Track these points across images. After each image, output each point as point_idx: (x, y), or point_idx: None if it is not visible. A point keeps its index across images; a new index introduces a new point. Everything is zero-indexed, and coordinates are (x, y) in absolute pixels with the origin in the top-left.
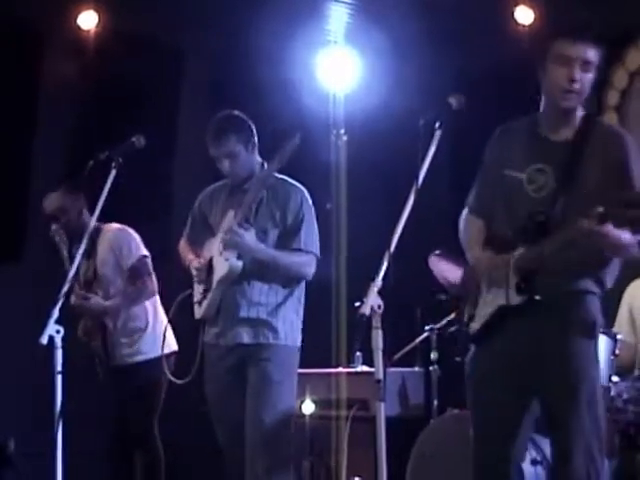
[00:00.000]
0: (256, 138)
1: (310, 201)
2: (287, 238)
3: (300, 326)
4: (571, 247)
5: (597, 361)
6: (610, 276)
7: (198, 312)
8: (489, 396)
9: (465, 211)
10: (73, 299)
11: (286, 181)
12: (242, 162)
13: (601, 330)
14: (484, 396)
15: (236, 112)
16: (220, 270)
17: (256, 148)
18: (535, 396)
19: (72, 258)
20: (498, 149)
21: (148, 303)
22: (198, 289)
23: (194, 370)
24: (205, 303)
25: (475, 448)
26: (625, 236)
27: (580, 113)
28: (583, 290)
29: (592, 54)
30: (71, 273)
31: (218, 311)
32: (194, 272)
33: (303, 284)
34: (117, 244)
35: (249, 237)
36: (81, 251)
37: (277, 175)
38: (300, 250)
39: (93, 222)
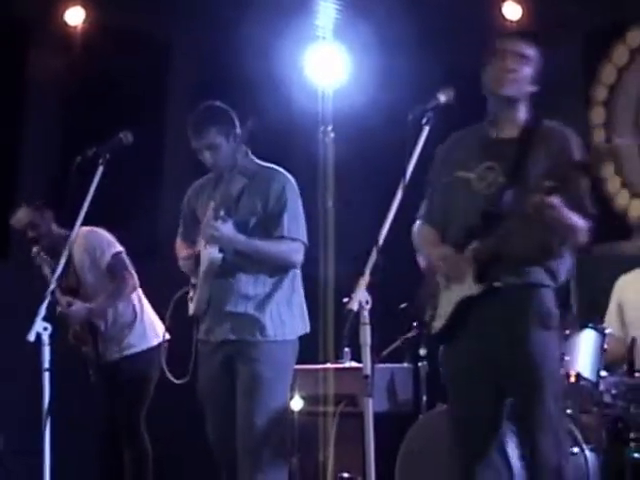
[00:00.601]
0: (238, 128)
1: (295, 188)
2: (269, 225)
3: (297, 315)
4: (524, 230)
5: (555, 351)
6: (563, 268)
7: (190, 308)
8: (463, 395)
9: (417, 223)
10: (58, 309)
11: (269, 167)
12: (223, 153)
13: (557, 322)
14: (459, 395)
15: (217, 103)
16: (203, 264)
17: (238, 137)
18: (504, 389)
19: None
20: (447, 155)
21: (133, 296)
22: (192, 286)
23: (191, 368)
24: (195, 298)
25: (454, 449)
26: (574, 217)
27: (525, 114)
28: (537, 283)
29: (527, 49)
30: (56, 275)
31: (208, 306)
32: (181, 263)
33: (297, 272)
34: (89, 246)
35: (226, 229)
36: (63, 260)
37: (260, 162)
38: (284, 237)
39: (79, 223)
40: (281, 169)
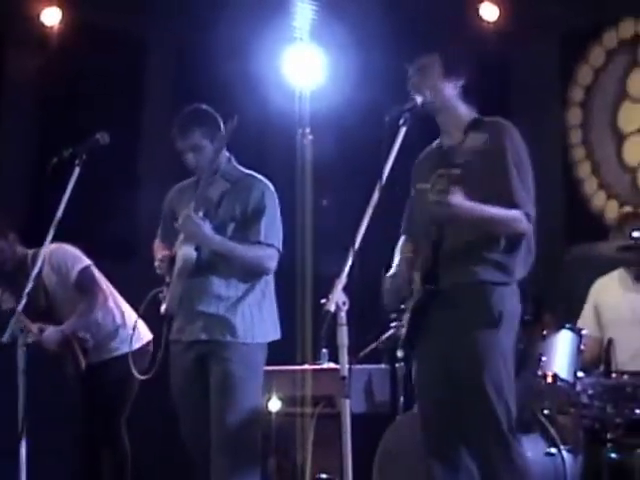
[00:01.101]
0: (223, 132)
1: (274, 196)
2: (246, 229)
3: (268, 320)
4: (455, 230)
5: (503, 350)
6: (518, 264)
7: (162, 307)
8: (424, 395)
9: (401, 238)
10: (30, 338)
11: (250, 175)
12: (207, 155)
13: (514, 319)
14: (420, 395)
15: (203, 106)
16: (177, 263)
17: (223, 141)
18: (459, 391)
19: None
20: (415, 169)
21: (111, 305)
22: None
23: (155, 367)
24: (167, 297)
25: (423, 443)
26: (491, 210)
27: (466, 116)
28: (484, 280)
29: (421, 60)
30: (27, 289)
31: (180, 305)
32: (156, 264)
33: (269, 278)
34: (55, 264)
35: (206, 227)
36: (32, 278)
37: (242, 169)
38: (260, 243)
39: (52, 231)
40: (262, 177)
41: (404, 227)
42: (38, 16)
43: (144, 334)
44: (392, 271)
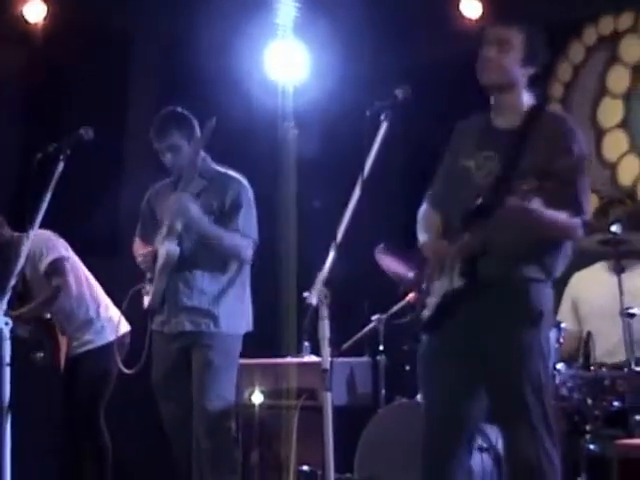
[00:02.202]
0: (198, 132)
1: (250, 192)
2: (225, 221)
3: (246, 312)
4: (509, 229)
5: (542, 349)
6: (559, 263)
7: (145, 302)
8: (439, 380)
9: (424, 204)
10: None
11: (226, 173)
12: (183, 155)
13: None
14: (431, 388)
15: (179, 108)
16: (160, 258)
17: (199, 141)
18: (482, 384)
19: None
20: (455, 142)
21: (87, 297)
22: (148, 281)
23: (143, 359)
24: (150, 292)
25: (425, 430)
26: (559, 216)
27: (528, 102)
28: (528, 278)
29: (507, 34)
30: (16, 270)
31: (163, 300)
32: (139, 259)
33: (247, 270)
34: (32, 249)
35: (194, 207)
36: (19, 265)
37: (217, 167)
38: (238, 231)
39: (39, 219)
40: (237, 175)
41: (432, 199)
42: (21, 12)
43: (121, 326)
44: (426, 240)
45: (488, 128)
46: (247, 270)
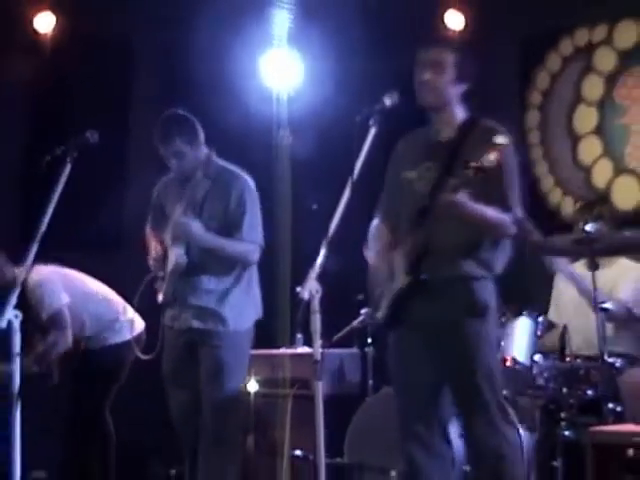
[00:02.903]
0: (201, 134)
1: (253, 190)
2: (230, 227)
3: (253, 303)
4: (446, 226)
5: (490, 339)
6: (498, 260)
7: (159, 297)
8: (405, 379)
9: (374, 220)
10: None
11: (230, 171)
12: (188, 160)
13: (494, 311)
14: (401, 379)
15: (180, 111)
16: (170, 263)
17: (201, 143)
18: (440, 376)
19: None
20: (396, 156)
21: (101, 300)
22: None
23: (158, 347)
24: (162, 291)
25: (400, 425)
26: (489, 212)
27: (462, 115)
28: (469, 275)
29: (440, 56)
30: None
31: (175, 297)
32: (151, 262)
33: (254, 273)
34: (35, 298)
35: (196, 227)
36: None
37: (223, 164)
38: (243, 239)
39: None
40: (240, 172)
41: (381, 213)
42: (31, 21)
43: (137, 324)
44: (374, 250)
45: (427, 142)
46: (253, 268)
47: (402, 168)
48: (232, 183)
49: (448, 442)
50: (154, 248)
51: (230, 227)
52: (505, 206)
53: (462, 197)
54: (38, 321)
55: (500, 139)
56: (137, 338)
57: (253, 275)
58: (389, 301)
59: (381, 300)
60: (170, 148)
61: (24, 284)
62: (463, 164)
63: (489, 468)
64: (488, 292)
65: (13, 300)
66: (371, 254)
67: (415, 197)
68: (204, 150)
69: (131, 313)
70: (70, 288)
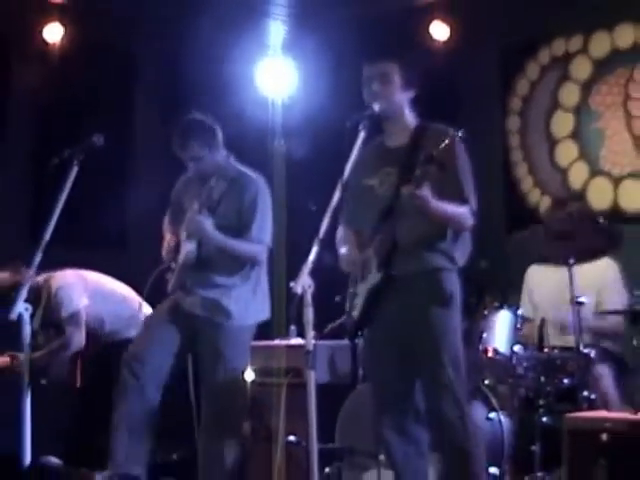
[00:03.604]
0: (219, 136)
1: (266, 192)
2: (241, 228)
3: (259, 303)
4: (410, 220)
5: (455, 327)
6: (460, 253)
7: (169, 286)
8: (378, 376)
9: (339, 226)
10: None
11: (246, 174)
12: (205, 162)
13: (459, 301)
14: (374, 375)
15: (198, 116)
16: (181, 256)
17: (219, 146)
18: (411, 364)
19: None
20: (356, 166)
21: (119, 297)
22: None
23: None
24: (172, 281)
25: (376, 416)
26: (448, 206)
27: (413, 120)
28: (435, 267)
29: (385, 67)
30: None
31: (182, 287)
32: (164, 253)
33: (263, 271)
34: (56, 300)
35: (208, 225)
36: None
37: (239, 167)
38: (252, 240)
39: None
40: (255, 176)
41: (345, 219)
42: (41, 32)
43: None
44: (345, 253)
45: (383, 149)
46: (263, 266)
47: (362, 176)
48: (247, 186)
49: (422, 427)
50: (168, 241)
51: (241, 227)
52: (462, 198)
53: (425, 191)
54: (55, 320)
55: (450, 131)
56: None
57: (262, 276)
58: (363, 300)
59: (354, 300)
60: (188, 152)
61: (46, 288)
62: (422, 158)
63: (455, 449)
64: (452, 282)
65: (24, 294)
66: (342, 254)
67: (378, 201)
68: (222, 153)
69: (146, 309)
70: (89, 291)
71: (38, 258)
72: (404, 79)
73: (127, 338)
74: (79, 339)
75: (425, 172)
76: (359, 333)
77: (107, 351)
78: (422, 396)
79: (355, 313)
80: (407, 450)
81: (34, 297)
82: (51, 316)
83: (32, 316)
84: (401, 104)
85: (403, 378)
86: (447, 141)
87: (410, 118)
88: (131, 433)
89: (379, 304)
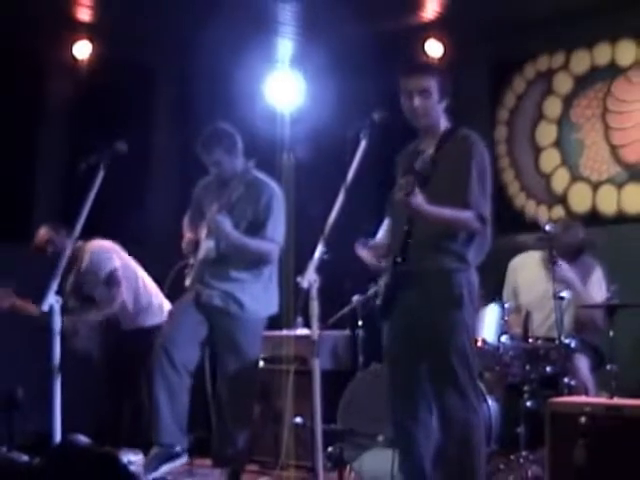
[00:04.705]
0: (239, 144)
1: (280, 197)
2: (256, 228)
3: (271, 298)
4: (422, 222)
5: (466, 325)
6: (474, 253)
7: (187, 281)
8: (393, 362)
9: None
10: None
11: (262, 180)
12: (225, 167)
13: (482, 299)
14: (390, 362)
15: (221, 125)
16: (201, 252)
17: (239, 153)
18: (423, 358)
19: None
20: (398, 166)
21: (142, 289)
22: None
23: None
24: (191, 276)
25: (389, 399)
26: (445, 211)
27: (444, 126)
28: (446, 269)
29: (425, 83)
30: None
31: (200, 281)
32: (184, 246)
33: (275, 269)
34: (91, 261)
35: (227, 225)
36: (61, 266)
37: (256, 174)
38: (266, 239)
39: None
40: (271, 182)
41: (387, 211)
42: (71, 49)
43: (166, 309)
44: (374, 240)
45: (416, 154)
46: (274, 263)
47: (399, 175)
48: (262, 190)
49: (431, 414)
50: (188, 238)
51: (257, 227)
52: (465, 202)
53: (416, 197)
54: (87, 288)
55: (472, 136)
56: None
57: (273, 274)
58: (382, 291)
59: (379, 292)
60: (211, 157)
61: (82, 252)
62: (420, 163)
63: (458, 436)
64: (462, 283)
65: (54, 286)
66: (365, 252)
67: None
68: (241, 160)
69: (161, 297)
70: (121, 260)
71: (76, 234)
72: (441, 92)
73: (141, 327)
74: (120, 297)
75: (419, 178)
76: (384, 318)
77: (123, 340)
78: (430, 389)
79: (378, 301)
80: (416, 433)
81: (68, 261)
82: (84, 282)
83: (63, 280)
84: (438, 116)
85: (416, 365)
86: (465, 166)
87: (443, 123)
88: (173, 413)
89: (396, 296)
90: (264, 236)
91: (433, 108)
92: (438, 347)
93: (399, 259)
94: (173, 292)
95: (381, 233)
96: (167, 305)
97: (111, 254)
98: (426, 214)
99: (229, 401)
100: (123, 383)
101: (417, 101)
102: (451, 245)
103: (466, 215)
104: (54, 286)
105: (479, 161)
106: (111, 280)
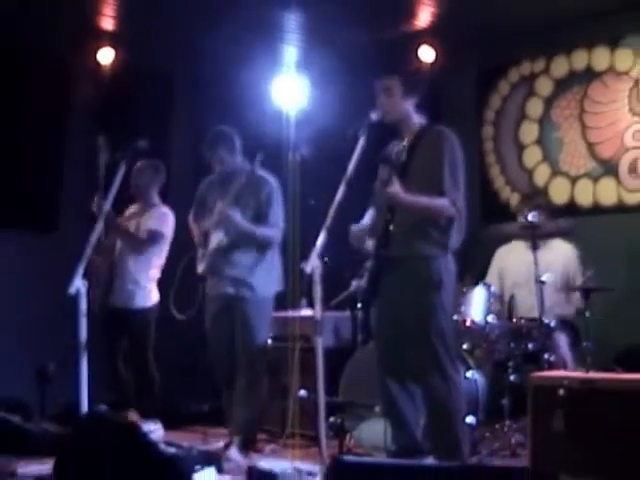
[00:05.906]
0: (237, 143)
1: (279, 190)
2: (259, 216)
3: (275, 277)
4: (400, 210)
5: (444, 308)
6: (453, 240)
7: (199, 269)
8: (381, 343)
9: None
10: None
11: (261, 176)
12: (227, 164)
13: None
14: (378, 343)
15: (223, 127)
16: (212, 243)
17: (238, 150)
18: (406, 337)
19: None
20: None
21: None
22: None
23: (195, 308)
24: (203, 264)
25: (379, 368)
26: (422, 199)
27: (418, 121)
28: (425, 255)
29: (386, 82)
30: (91, 242)
31: (213, 269)
32: (196, 240)
33: (276, 251)
34: (162, 212)
35: (236, 215)
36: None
37: (255, 169)
38: (269, 225)
39: (109, 204)
40: (270, 177)
41: (372, 200)
42: (95, 55)
43: (155, 294)
44: (359, 225)
45: (395, 147)
46: (276, 251)
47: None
48: (263, 184)
49: (418, 387)
50: (197, 232)
51: (260, 215)
52: (440, 191)
53: (391, 188)
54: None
55: (445, 132)
56: (156, 306)
57: (275, 256)
58: (367, 276)
59: (365, 276)
60: (215, 155)
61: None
62: (392, 156)
63: (440, 410)
64: (441, 269)
65: (81, 270)
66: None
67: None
68: (240, 158)
69: (154, 282)
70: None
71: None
72: (406, 90)
73: (135, 308)
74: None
75: (396, 169)
76: (369, 301)
77: (118, 319)
78: (415, 369)
79: (363, 285)
80: (405, 407)
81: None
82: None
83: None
84: (405, 111)
85: (401, 346)
86: (438, 157)
87: (416, 121)
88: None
89: (379, 280)
90: (268, 223)
91: (397, 104)
92: (419, 328)
93: (380, 246)
94: (183, 281)
95: (365, 220)
96: (155, 291)
97: (168, 221)
98: (403, 202)
99: (245, 373)
100: (132, 354)
101: (381, 99)
102: (430, 232)
103: (441, 202)
104: (81, 270)
105: (451, 153)
106: (150, 236)
